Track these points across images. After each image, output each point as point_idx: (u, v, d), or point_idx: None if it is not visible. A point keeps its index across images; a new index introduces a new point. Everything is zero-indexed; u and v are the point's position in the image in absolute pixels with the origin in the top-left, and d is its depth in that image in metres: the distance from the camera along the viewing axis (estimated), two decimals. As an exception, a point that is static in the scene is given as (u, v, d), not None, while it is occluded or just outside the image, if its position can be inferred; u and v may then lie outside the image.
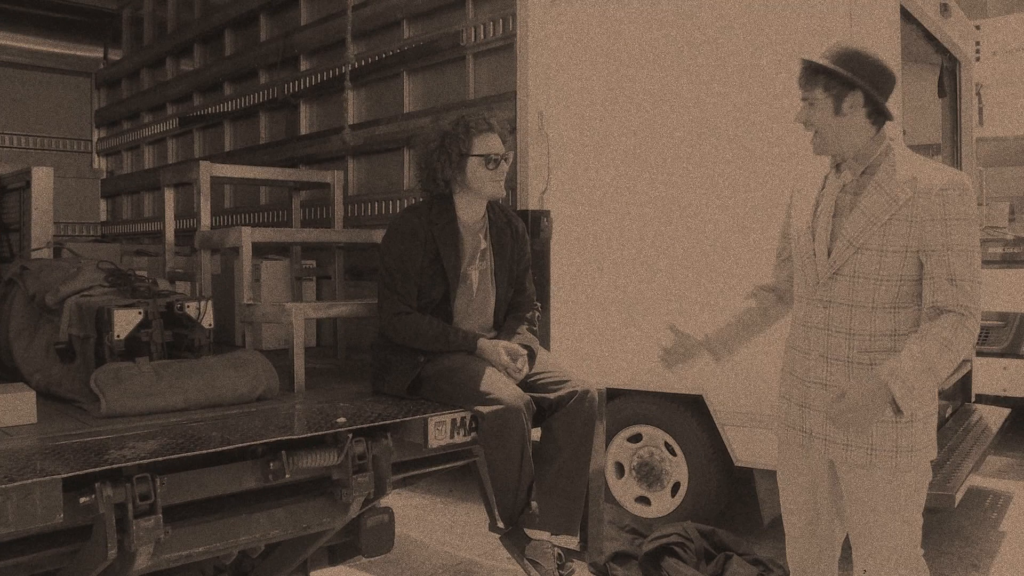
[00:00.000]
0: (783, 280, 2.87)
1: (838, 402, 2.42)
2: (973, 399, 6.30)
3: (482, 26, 4.02)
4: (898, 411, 2.40)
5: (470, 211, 3.36)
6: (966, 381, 6.16)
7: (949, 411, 5.68)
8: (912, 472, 2.57)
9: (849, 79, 2.48)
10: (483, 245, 3.37)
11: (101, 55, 7.82)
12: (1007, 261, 6.97)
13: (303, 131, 5.25)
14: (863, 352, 2.53)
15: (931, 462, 2.64)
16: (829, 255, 2.57)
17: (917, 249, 2.45)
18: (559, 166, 3.80)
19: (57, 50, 7.58)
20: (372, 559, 3.31)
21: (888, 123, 2.58)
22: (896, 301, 2.50)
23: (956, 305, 2.39)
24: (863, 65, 2.50)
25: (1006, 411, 6.12)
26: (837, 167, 2.63)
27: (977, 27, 6.49)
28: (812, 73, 2.53)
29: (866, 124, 2.53)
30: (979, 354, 6.42)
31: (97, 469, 2.19)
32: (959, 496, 4.40)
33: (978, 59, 6.45)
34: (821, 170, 2.72)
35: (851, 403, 2.39)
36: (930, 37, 5.30)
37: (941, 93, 5.90)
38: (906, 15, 4.53)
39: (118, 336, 3.05)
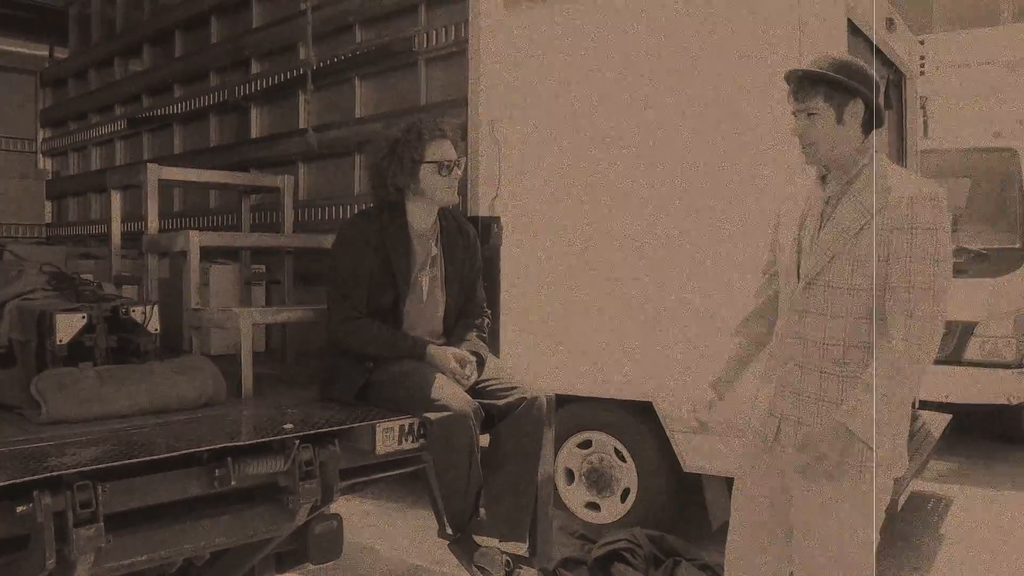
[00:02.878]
0: (768, 298, 2.85)
1: (802, 453, 2.43)
2: (917, 405, 6.42)
3: (434, 32, 4.01)
4: (869, 447, 2.39)
5: (421, 217, 3.35)
6: (910, 388, 6.28)
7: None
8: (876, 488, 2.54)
9: (853, 87, 2.48)
10: (434, 252, 3.37)
11: (47, 53, 7.67)
12: (950, 270, 7.11)
13: (254, 134, 5.20)
14: (835, 363, 2.52)
15: (896, 478, 2.67)
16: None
17: (886, 258, 2.43)
18: (510, 173, 3.80)
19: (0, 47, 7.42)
20: (320, 566, 3.28)
21: (873, 131, 2.57)
22: (869, 312, 2.47)
23: (907, 315, 2.37)
24: (859, 73, 2.51)
25: (948, 417, 6.24)
26: (823, 179, 2.62)
27: (922, 42, 6.62)
28: (811, 84, 2.50)
29: (859, 133, 2.54)
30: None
31: (36, 477, 2.14)
32: (902, 500, 4.48)
33: (923, 73, 6.58)
34: (803, 184, 2.71)
35: (815, 452, 2.40)
36: (876, 51, 5.40)
37: (887, 106, 6.00)
38: (853, 28, 4.61)
39: (61, 341, 3.00)
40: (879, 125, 2.58)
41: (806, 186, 2.72)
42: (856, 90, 2.49)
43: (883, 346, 2.41)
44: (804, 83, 2.51)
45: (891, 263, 2.42)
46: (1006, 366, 7.02)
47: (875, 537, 2.59)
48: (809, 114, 2.52)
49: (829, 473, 2.44)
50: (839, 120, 2.50)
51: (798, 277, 2.60)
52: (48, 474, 2.16)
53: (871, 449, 2.41)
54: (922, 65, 6.54)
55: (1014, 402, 7.11)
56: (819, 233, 2.56)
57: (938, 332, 2.42)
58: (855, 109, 2.51)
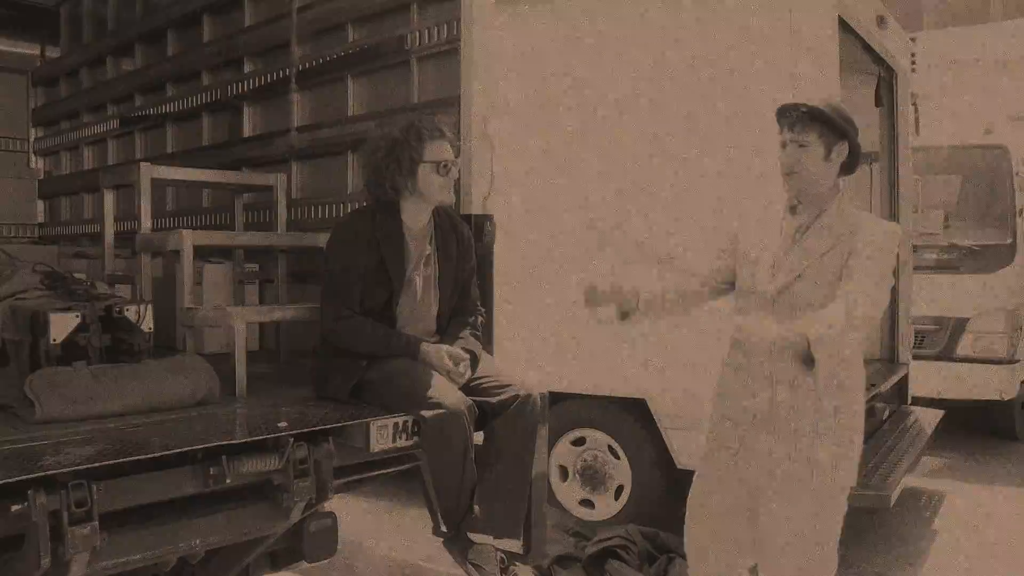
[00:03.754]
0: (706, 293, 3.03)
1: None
2: (909, 401, 6.45)
3: (426, 30, 4.01)
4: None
5: (416, 216, 3.36)
6: (902, 384, 6.31)
7: (886, 414, 5.80)
8: (840, 495, 2.72)
9: (844, 129, 2.68)
10: (428, 251, 3.37)
11: (38, 52, 7.64)
12: (941, 267, 7.16)
13: (246, 133, 5.19)
14: (808, 375, 2.63)
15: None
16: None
17: (839, 278, 2.61)
18: (502, 170, 3.81)
19: (-9, 46, 7.41)
20: (315, 564, 3.28)
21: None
22: None
23: (849, 299, 2.52)
24: (849, 120, 2.71)
25: (940, 413, 6.27)
26: (792, 210, 2.79)
27: (913, 40, 6.65)
28: (809, 119, 2.68)
29: (836, 172, 2.74)
30: (915, 357, 6.57)
31: (30, 476, 2.14)
32: (895, 496, 4.50)
33: (914, 70, 6.60)
34: (763, 193, 2.91)
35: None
36: (868, 48, 5.43)
37: (878, 103, 6.04)
38: (844, 26, 4.64)
39: (54, 340, 3.00)
40: (851, 171, 2.78)
41: (768, 208, 2.89)
42: (845, 133, 2.69)
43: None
44: (804, 117, 2.68)
45: (851, 283, 2.58)
46: (997, 362, 7.05)
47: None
48: (800, 145, 2.69)
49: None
50: (826, 157, 2.69)
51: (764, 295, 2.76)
52: (43, 473, 2.17)
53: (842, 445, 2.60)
54: (913, 62, 6.57)
55: (1006, 398, 7.15)
56: (787, 255, 2.73)
57: (867, 315, 2.54)
58: (840, 149, 2.70)
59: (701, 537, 2.98)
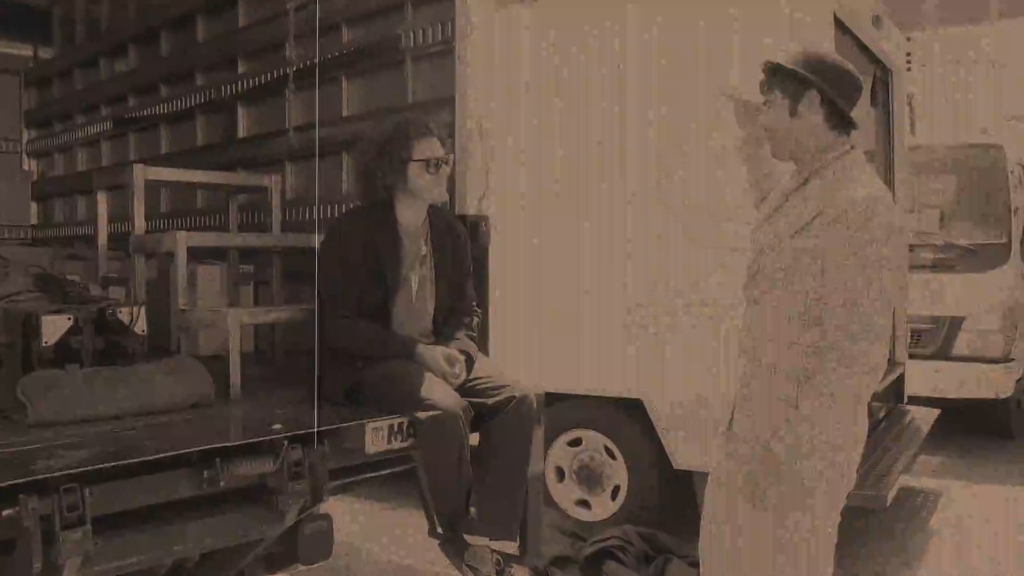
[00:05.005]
0: None
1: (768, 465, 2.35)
2: (905, 400, 6.44)
3: (421, 31, 4.00)
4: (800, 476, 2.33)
5: (411, 216, 3.35)
6: (899, 383, 6.30)
7: (883, 413, 5.79)
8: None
9: (804, 78, 2.37)
10: (424, 250, 3.36)
11: (31, 53, 7.62)
12: (937, 266, 7.15)
13: (241, 134, 5.18)
14: (786, 375, 2.37)
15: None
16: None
17: (821, 270, 2.29)
18: (498, 171, 3.79)
19: (-17, 47, 7.39)
20: (310, 567, 3.26)
21: (853, 132, 2.46)
22: (801, 316, 2.34)
23: (845, 332, 2.24)
24: (822, 67, 2.39)
25: (936, 412, 6.26)
26: (793, 174, 2.54)
27: (908, 39, 6.65)
28: (772, 75, 2.44)
29: (823, 128, 2.41)
30: (911, 356, 6.57)
31: (22, 480, 2.12)
32: (891, 496, 4.49)
33: (910, 70, 6.60)
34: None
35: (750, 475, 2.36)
36: (864, 48, 5.42)
37: (874, 102, 6.03)
38: (841, 26, 4.63)
39: (46, 343, 2.98)
40: (848, 125, 2.44)
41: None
42: (808, 81, 2.38)
43: (818, 368, 2.29)
44: (769, 74, 2.46)
45: (827, 274, 2.28)
46: (994, 361, 7.05)
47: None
48: (768, 105, 2.47)
49: (760, 499, 2.36)
50: (792, 112, 2.41)
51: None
52: (34, 477, 2.15)
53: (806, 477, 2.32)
54: (909, 62, 6.57)
55: (1001, 397, 7.15)
56: (763, 227, 2.48)
57: (877, 350, 2.27)
58: (810, 102, 2.39)
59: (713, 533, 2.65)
